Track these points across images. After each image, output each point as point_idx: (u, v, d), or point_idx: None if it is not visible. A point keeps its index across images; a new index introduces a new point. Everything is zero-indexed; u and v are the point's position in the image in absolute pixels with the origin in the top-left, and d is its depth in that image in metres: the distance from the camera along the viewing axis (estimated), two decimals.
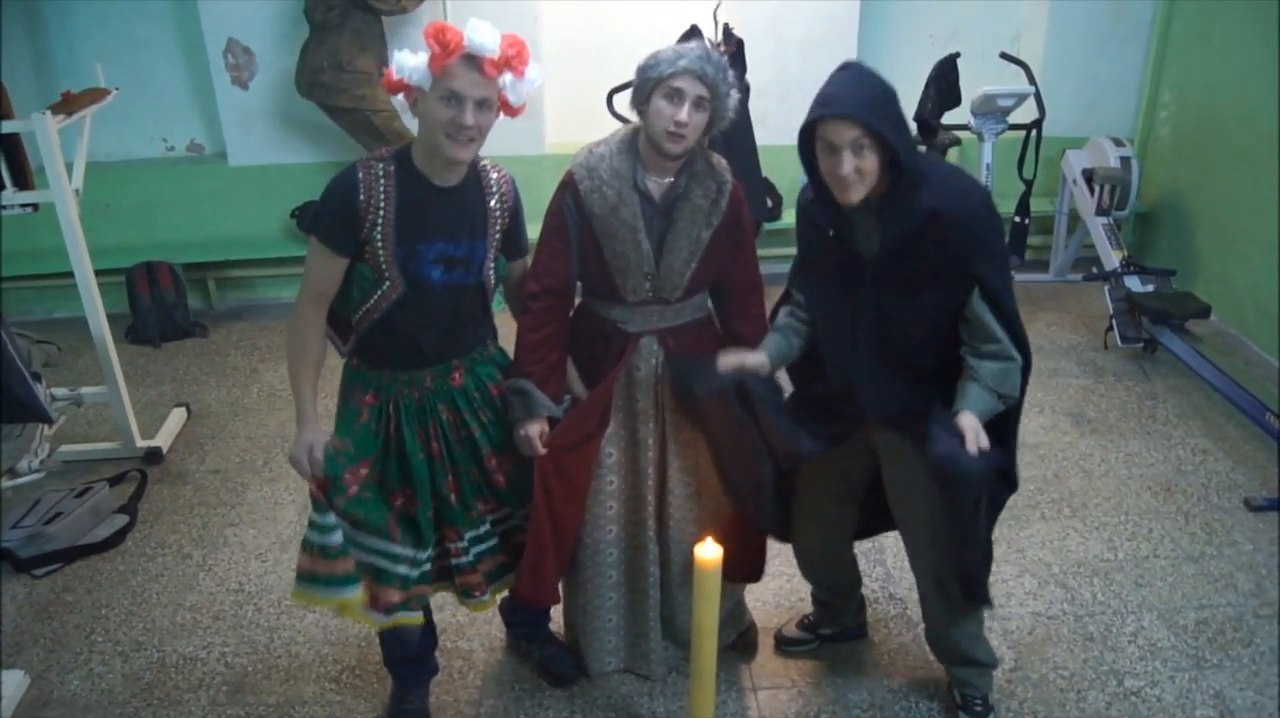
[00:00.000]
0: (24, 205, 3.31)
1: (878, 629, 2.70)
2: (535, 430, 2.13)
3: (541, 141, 5.02)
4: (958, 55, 4.45)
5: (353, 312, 2.05)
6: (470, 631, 2.71)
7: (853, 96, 1.80)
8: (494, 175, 2.08)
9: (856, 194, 1.87)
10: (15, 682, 2.52)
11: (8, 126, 3.14)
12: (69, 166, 3.34)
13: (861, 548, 2.54)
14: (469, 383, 2.14)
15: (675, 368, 2.20)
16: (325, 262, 1.98)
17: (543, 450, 2.14)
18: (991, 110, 4.47)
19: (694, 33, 3.97)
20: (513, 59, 1.88)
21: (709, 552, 1.95)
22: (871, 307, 2.01)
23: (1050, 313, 4.83)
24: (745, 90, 4.38)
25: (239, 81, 4.82)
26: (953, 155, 5.03)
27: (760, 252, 2.36)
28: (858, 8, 4.93)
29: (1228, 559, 2.97)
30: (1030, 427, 3.71)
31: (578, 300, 2.28)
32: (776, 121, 4.84)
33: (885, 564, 2.96)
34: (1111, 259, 4.41)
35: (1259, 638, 2.64)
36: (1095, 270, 4.52)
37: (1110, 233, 4.53)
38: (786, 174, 5.00)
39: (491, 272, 2.09)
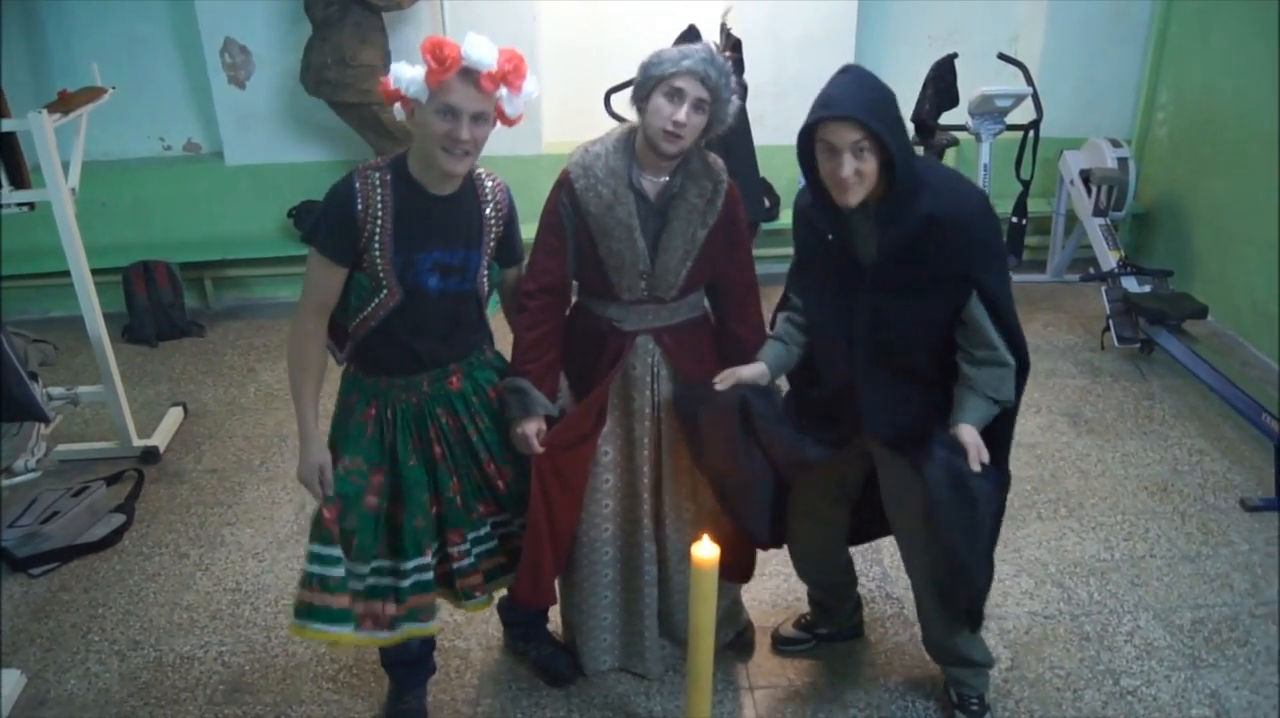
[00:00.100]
0: (20, 204, 3.31)
1: (874, 629, 2.71)
2: (532, 429, 2.13)
3: (539, 142, 5.02)
4: (955, 56, 4.45)
5: (349, 320, 2.06)
6: (467, 630, 2.71)
7: (853, 99, 1.80)
8: (489, 184, 2.09)
9: (855, 197, 1.87)
10: (12, 681, 2.52)
11: (4, 125, 3.14)
12: (65, 165, 3.33)
13: (858, 548, 2.54)
14: (466, 387, 2.14)
15: (676, 394, 2.21)
16: (325, 272, 1.98)
17: (540, 449, 2.14)
18: (989, 111, 4.48)
19: (692, 33, 3.97)
20: (509, 74, 1.88)
21: (706, 551, 1.95)
22: (869, 311, 2.00)
23: (1047, 313, 4.83)
24: (743, 90, 4.38)
25: (236, 81, 4.82)
26: (950, 156, 5.04)
27: (758, 252, 2.36)
28: (855, 8, 4.94)
29: (1224, 559, 2.98)
30: (1027, 427, 3.72)
31: (574, 299, 2.28)
32: (774, 122, 4.84)
33: (882, 564, 2.96)
34: (1109, 260, 4.42)
35: (1255, 638, 2.64)
36: (1092, 271, 4.53)
37: (1107, 233, 4.53)
38: (784, 174, 5.00)
39: (486, 278, 2.10)
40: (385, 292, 1.98)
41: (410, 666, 2.38)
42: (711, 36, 4.23)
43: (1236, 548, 3.03)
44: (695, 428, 2.17)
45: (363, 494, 2.08)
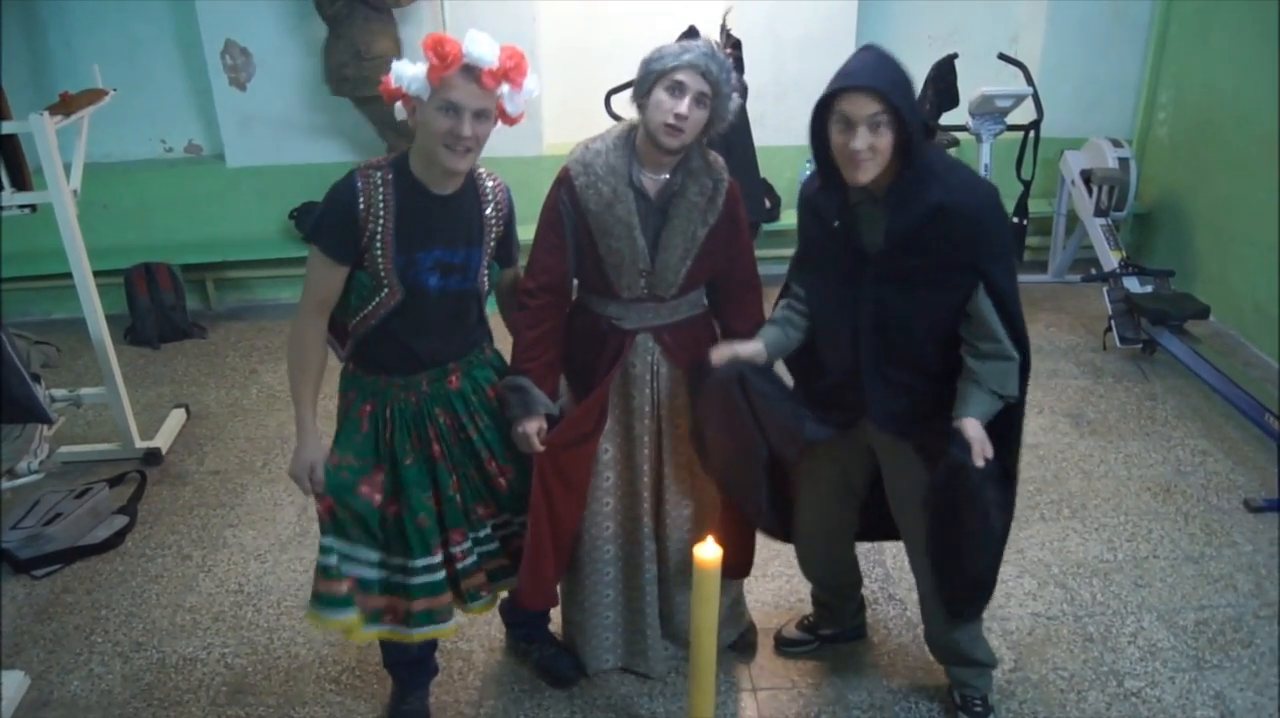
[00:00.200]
0: (22, 206, 3.31)
1: (877, 630, 2.70)
2: (533, 428, 2.13)
3: (539, 142, 5.02)
4: (956, 56, 4.45)
5: (350, 318, 2.06)
6: (470, 631, 2.71)
7: (873, 72, 1.80)
8: (490, 184, 2.09)
9: (867, 174, 1.84)
10: (15, 683, 2.52)
11: (6, 127, 3.14)
12: (67, 167, 3.34)
13: (861, 549, 2.54)
14: (466, 386, 2.14)
15: (688, 373, 2.20)
16: (326, 271, 1.98)
17: (540, 448, 2.14)
18: (990, 111, 4.48)
19: (692, 34, 3.97)
20: (511, 70, 1.88)
21: (708, 552, 1.95)
22: (873, 301, 1.99)
23: (1049, 314, 4.83)
24: (743, 91, 4.38)
25: (237, 82, 4.82)
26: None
27: (758, 252, 2.35)
28: (855, 8, 4.93)
29: (1227, 560, 2.97)
30: (1029, 427, 3.71)
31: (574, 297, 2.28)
32: (774, 122, 4.83)
33: (885, 565, 2.96)
34: (1110, 260, 4.41)
35: (1259, 639, 2.64)
36: (1094, 271, 4.53)
37: (1109, 234, 4.53)
38: (784, 175, 5.00)
39: (486, 277, 2.10)
40: (386, 290, 1.98)
41: (413, 667, 2.38)
42: (712, 37, 4.23)
43: (1240, 549, 3.02)
44: (695, 404, 2.17)
45: (355, 485, 2.08)
